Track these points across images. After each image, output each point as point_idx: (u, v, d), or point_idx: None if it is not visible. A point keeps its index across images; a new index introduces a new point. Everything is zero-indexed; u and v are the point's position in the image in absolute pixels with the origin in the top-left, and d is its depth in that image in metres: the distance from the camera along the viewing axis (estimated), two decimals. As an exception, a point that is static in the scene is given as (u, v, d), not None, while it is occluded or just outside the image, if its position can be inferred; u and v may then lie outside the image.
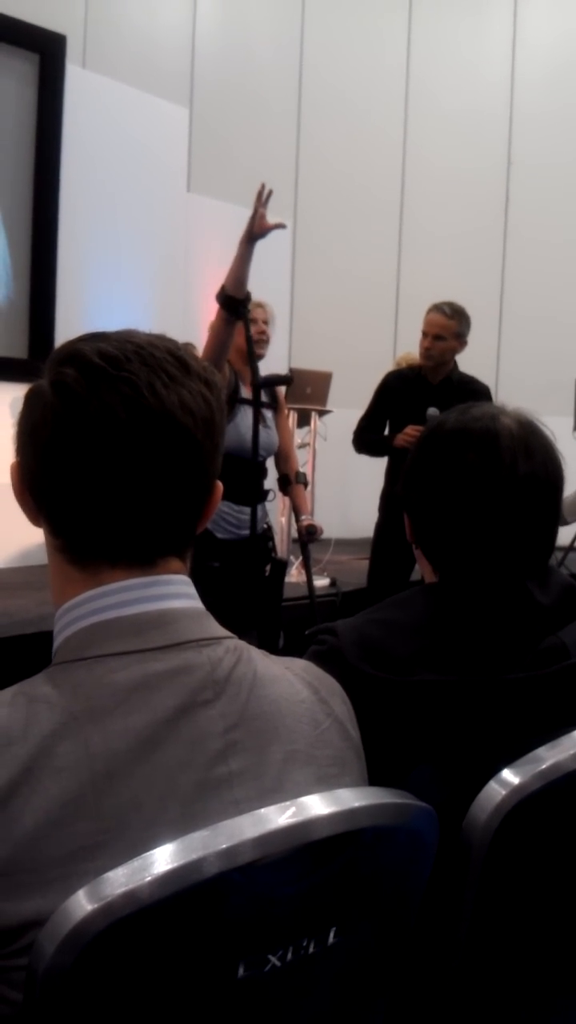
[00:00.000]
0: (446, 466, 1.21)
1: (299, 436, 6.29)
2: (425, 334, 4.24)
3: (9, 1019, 0.76)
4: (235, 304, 3.36)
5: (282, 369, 5.91)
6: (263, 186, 3.43)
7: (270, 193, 3.42)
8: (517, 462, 1.18)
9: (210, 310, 3.82)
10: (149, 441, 0.88)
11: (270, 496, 3.82)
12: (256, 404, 3.49)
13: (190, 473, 0.91)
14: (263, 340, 3.65)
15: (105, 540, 0.90)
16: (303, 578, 4.27)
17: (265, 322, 3.65)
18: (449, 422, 1.24)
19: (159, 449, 0.88)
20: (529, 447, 1.19)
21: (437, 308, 4.25)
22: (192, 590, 0.95)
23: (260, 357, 3.68)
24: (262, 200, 3.42)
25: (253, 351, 3.61)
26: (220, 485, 0.98)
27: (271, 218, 3.44)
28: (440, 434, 1.23)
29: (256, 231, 3.41)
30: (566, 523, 5.03)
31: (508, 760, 0.98)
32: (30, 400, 0.92)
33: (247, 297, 3.41)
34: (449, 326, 4.20)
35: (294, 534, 4.13)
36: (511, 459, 1.18)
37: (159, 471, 0.89)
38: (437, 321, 4.21)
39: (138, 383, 0.88)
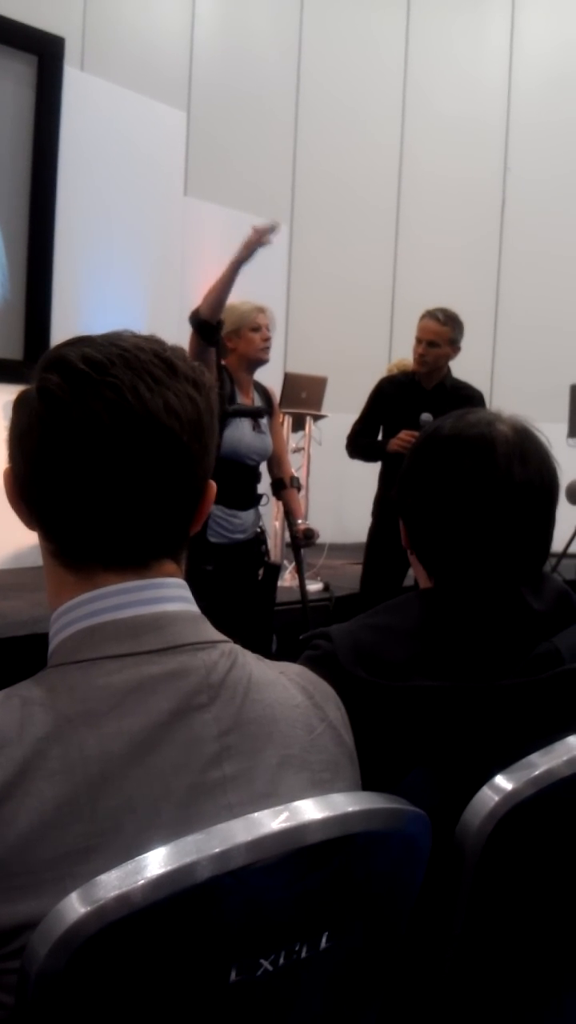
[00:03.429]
0: (442, 472, 1.21)
1: (294, 441, 6.29)
2: (419, 340, 4.25)
3: (2, 1023, 0.76)
4: (209, 330, 3.36)
5: (277, 373, 5.92)
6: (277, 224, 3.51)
7: (274, 228, 3.48)
8: (513, 468, 1.18)
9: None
10: (134, 445, 0.88)
11: (264, 500, 3.82)
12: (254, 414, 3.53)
13: (178, 475, 0.91)
14: (267, 347, 3.65)
15: (97, 543, 0.91)
16: (296, 582, 4.28)
17: (268, 327, 3.64)
18: (445, 428, 1.24)
19: (145, 453, 0.88)
20: (525, 453, 1.20)
21: (431, 314, 4.26)
22: (187, 593, 0.95)
23: (265, 362, 3.69)
24: (262, 233, 3.48)
25: (257, 360, 3.63)
26: (213, 486, 0.98)
27: (268, 221, 3.47)
28: (436, 440, 1.24)
29: (245, 253, 3.45)
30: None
31: (502, 766, 0.98)
32: (18, 407, 0.92)
33: (219, 324, 3.42)
34: (443, 332, 4.21)
35: (287, 538, 4.13)
36: (507, 465, 1.18)
37: (146, 474, 0.89)
38: (431, 327, 4.22)
39: (121, 387, 0.87)
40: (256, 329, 3.59)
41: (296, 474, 4.14)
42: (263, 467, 3.82)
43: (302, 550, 4.07)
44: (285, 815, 0.78)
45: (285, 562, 5.43)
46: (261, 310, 3.64)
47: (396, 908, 0.93)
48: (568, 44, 8.75)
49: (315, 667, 1.07)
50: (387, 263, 8.87)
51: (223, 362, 3.65)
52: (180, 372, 0.92)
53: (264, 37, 8.48)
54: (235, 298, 3.73)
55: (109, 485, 0.88)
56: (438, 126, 8.76)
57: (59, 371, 0.89)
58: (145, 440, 0.88)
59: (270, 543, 4.08)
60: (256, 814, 0.78)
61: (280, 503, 4.10)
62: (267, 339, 3.63)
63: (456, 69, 8.84)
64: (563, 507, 1.30)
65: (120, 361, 0.89)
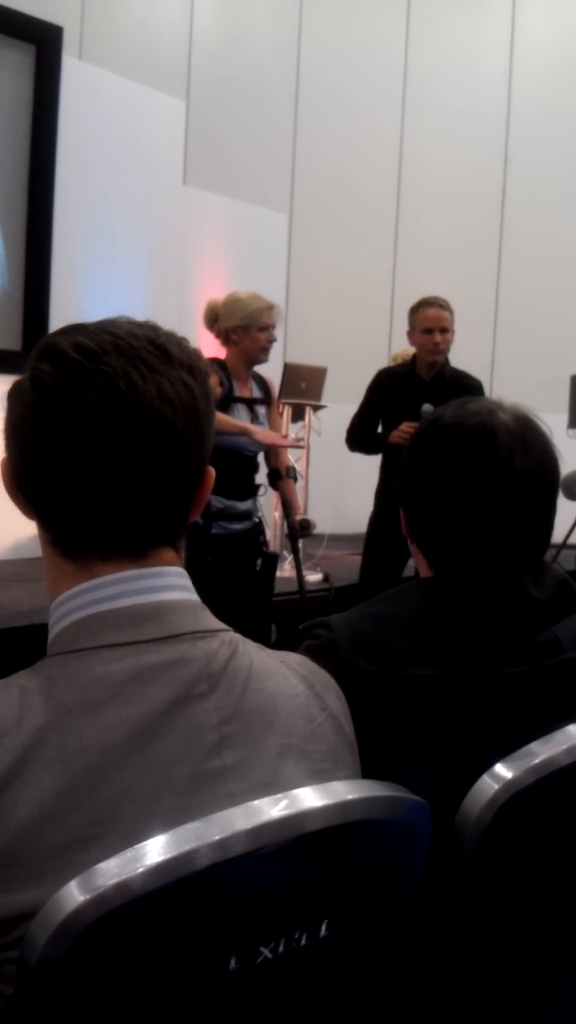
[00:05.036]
0: (443, 461, 1.21)
1: (293, 431, 6.28)
2: (430, 330, 4.24)
3: (2, 1013, 0.76)
4: None
5: (277, 363, 5.91)
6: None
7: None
8: (514, 457, 1.18)
9: (204, 304, 3.82)
10: (128, 433, 0.87)
11: (262, 491, 3.82)
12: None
13: (174, 462, 0.90)
14: (269, 347, 3.66)
15: (94, 533, 0.90)
16: (295, 572, 4.28)
17: (273, 327, 3.64)
18: (446, 417, 1.23)
19: (139, 440, 0.88)
20: (526, 442, 1.19)
21: (433, 303, 4.26)
22: (187, 582, 0.94)
23: (263, 362, 3.70)
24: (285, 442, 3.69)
25: (257, 360, 3.64)
26: (212, 472, 0.97)
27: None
28: (437, 428, 1.23)
29: (259, 440, 3.55)
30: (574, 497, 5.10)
31: (501, 754, 0.98)
32: (12, 397, 0.92)
33: None
34: (450, 318, 4.27)
35: (286, 529, 4.13)
36: (508, 454, 1.18)
37: (141, 462, 0.88)
38: (441, 315, 4.24)
39: (114, 375, 0.87)
40: (264, 329, 3.59)
41: (295, 465, 4.14)
42: (260, 457, 3.82)
43: (299, 540, 4.07)
44: (285, 803, 0.78)
45: (284, 552, 5.43)
46: (272, 308, 3.63)
47: (396, 896, 0.93)
48: (569, 33, 8.71)
49: (315, 656, 1.06)
50: (387, 253, 8.84)
51: (220, 357, 3.66)
52: (174, 358, 0.91)
53: (264, 26, 8.45)
54: (242, 289, 3.72)
55: (104, 474, 0.88)
56: (438, 115, 8.73)
57: (51, 360, 0.88)
58: (139, 428, 0.87)
59: (268, 533, 4.08)
60: (256, 802, 0.78)
61: (277, 493, 4.11)
62: (271, 340, 3.63)
63: (457, 58, 8.81)
64: (563, 498, 1.30)
65: (113, 349, 0.88)
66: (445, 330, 4.24)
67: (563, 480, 1.26)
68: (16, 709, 0.82)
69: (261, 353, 3.64)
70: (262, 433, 3.57)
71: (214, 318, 3.67)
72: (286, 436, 3.93)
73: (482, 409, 1.22)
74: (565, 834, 1.06)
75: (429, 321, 4.25)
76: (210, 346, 3.76)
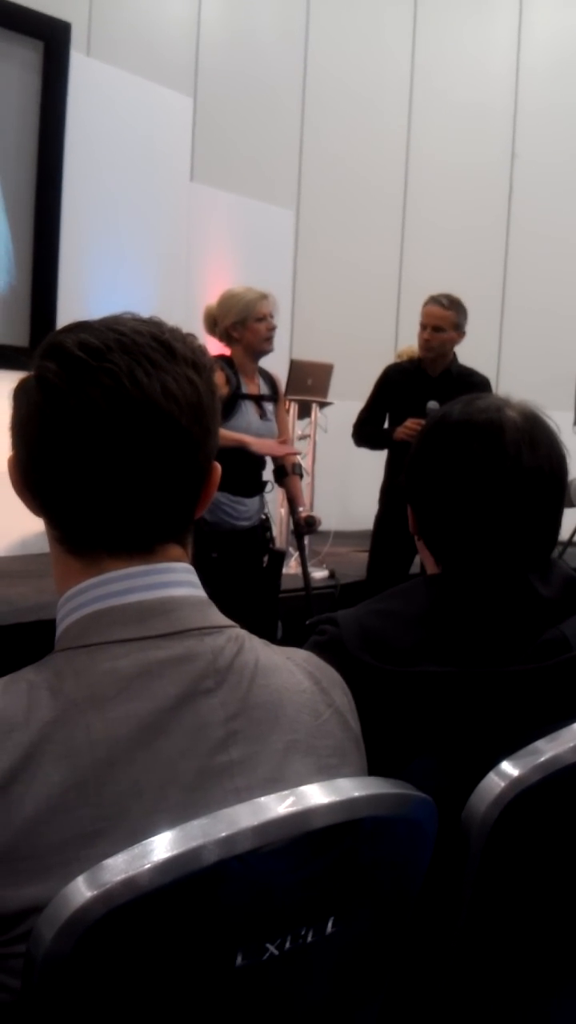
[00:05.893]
0: (450, 457, 1.20)
1: (300, 428, 6.28)
2: (424, 326, 4.23)
3: (8, 1006, 0.76)
4: None
5: (283, 359, 5.91)
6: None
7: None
8: (522, 454, 1.18)
9: (211, 300, 3.82)
10: (133, 431, 0.87)
11: (268, 487, 3.82)
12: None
13: (180, 459, 0.91)
14: (271, 336, 3.64)
15: (101, 530, 0.90)
16: (301, 569, 4.28)
17: (271, 316, 3.63)
18: (454, 414, 1.23)
19: (144, 437, 0.88)
20: (534, 439, 1.19)
21: (434, 300, 4.25)
22: (194, 578, 0.94)
23: (269, 352, 3.69)
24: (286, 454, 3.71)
25: (261, 351, 3.63)
26: (218, 468, 0.97)
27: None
28: (445, 425, 1.23)
29: (262, 451, 3.56)
30: (573, 505, 5.10)
31: (508, 752, 0.98)
32: (18, 395, 0.92)
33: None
34: (447, 317, 4.20)
35: (292, 525, 4.13)
36: (516, 451, 1.18)
37: (147, 459, 0.88)
38: (435, 312, 4.21)
39: (118, 373, 0.87)
40: (261, 319, 3.58)
41: (301, 461, 4.13)
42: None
43: (305, 537, 4.07)
44: (291, 800, 0.78)
45: (290, 549, 5.43)
46: (265, 297, 3.61)
47: (402, 893, 0.93)
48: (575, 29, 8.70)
49: (321, 652, 1.06)
50: (394, 250, 8.83)
51: (226, 354, 3.65)
52: (179, 355, 0.91)
53: (271, 22, 8.44)
54: (238, 284, 3.72)
55: (110, 472, 0.88)
56: (445, 112, 8.71)
57: (56, 359, 0.89)
58: (144, 425, 0.88)
59: (275, 530, 4.08)
60: (262, 799, 0.78)
61: (283, 490, 4.11)
62: (272, 328, 3.61)
63: (463, 54, 8.79)
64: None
65: (117, 346, 0.88)
66: (438, 328, 4.20)
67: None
68: (24, 704, 0.82)
69: (264, 343, 3.62)
70: (258, 444, 3.55)
71: (213, 322, 3.66)
72: (286, 440, 3.91)
73: (490, 406, 1.22)
74: (571, 831, 1.06)
75: (422, 317, 4.24)
76: (215, 347, 3.75)
